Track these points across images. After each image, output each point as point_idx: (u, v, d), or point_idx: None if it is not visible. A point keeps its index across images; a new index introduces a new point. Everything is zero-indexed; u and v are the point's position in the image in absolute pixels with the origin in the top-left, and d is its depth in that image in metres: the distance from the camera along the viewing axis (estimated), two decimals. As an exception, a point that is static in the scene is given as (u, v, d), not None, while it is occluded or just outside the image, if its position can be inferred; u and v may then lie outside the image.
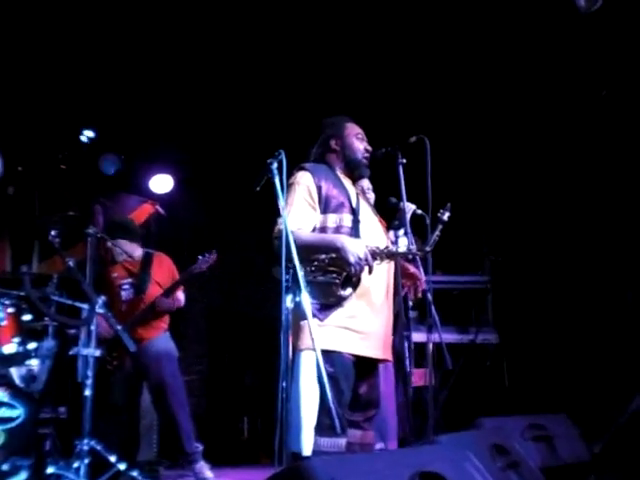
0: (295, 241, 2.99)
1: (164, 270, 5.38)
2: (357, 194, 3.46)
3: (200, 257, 5.12)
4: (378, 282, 3.28)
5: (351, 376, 3.18)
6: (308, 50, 5.81)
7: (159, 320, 5.27)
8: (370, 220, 3.42)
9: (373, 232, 3.36)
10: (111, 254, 5.31)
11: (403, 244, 3.33)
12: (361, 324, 3.20)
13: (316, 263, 3.14)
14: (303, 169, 3.42)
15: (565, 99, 6.07)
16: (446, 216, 3.14)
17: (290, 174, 3.36)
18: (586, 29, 5.20)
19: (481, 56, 5.86)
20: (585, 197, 6.41)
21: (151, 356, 5.11)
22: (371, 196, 4.27)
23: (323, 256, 3.14)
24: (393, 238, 3.67)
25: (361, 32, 5.65)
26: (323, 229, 3.30)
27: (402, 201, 3.40)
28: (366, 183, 4.09)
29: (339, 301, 3.16)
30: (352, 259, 3.05)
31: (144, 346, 5.08)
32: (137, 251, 5.37)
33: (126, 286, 5.28)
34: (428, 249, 3.17)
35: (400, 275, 3.42)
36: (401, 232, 3.58)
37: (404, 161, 3.41)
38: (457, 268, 6.72)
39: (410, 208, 3.58)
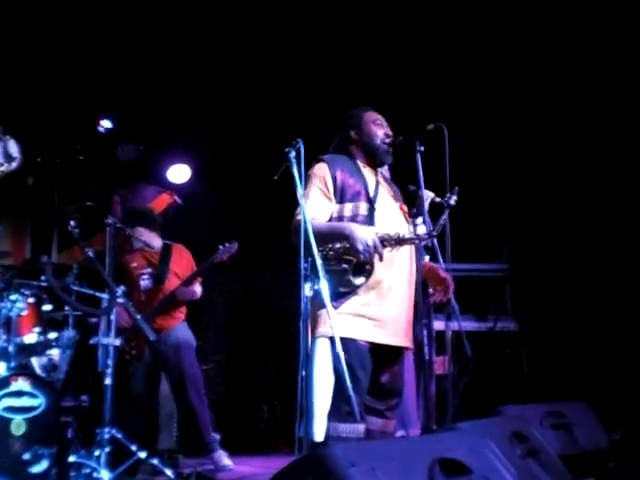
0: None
1: (183, 261, 5.40)
2: (377, 182, 3.45)
3: (221, 247, 5.10)
4: (396, 270, 3.27)
5: (367, 363, 3.18)
6: (327, 39, 5.80)
7: (177, 310, 5.30)
8: (389, 208, 3.40)
9: (391, 220, 3.35)
10: (129, 242, 5.33)
11: (421, 232, 3.32)
12: (376, 311, 3.20)
13: (331, 252, 3.14)
14: (320, 160, 3.43)
15: (585, 85, 6.03)
16: (453, 200, 3.14)
17: (309, 165, 3.36)
18: (606, 15, 5.17)
19: (498, 42, 5.83)
20: (603, 185, 6.38)
21: (169, 345, 5.14)
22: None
23: (338, 245, 3.14)
24: (412, 226, 3.66)
25: (380, 21, 5.63)
26: (340, 218, 3.31)
27: (420, 189, 3.39)
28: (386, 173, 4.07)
29: (352, 289, 3.17)
30: (360, 246, 3.06)
31: (162, 336, 5.10)
32: (156, 240, 5.38)
33: (145, 276, 5.30)
34: (435, 233, 3.20)
35: (425, 275, 3.43)
36: (419, 220, 3.56)
37: (422, 149, 3.39)
38: (475, 256, 6.69)
39: (428, 196, 3.56)
